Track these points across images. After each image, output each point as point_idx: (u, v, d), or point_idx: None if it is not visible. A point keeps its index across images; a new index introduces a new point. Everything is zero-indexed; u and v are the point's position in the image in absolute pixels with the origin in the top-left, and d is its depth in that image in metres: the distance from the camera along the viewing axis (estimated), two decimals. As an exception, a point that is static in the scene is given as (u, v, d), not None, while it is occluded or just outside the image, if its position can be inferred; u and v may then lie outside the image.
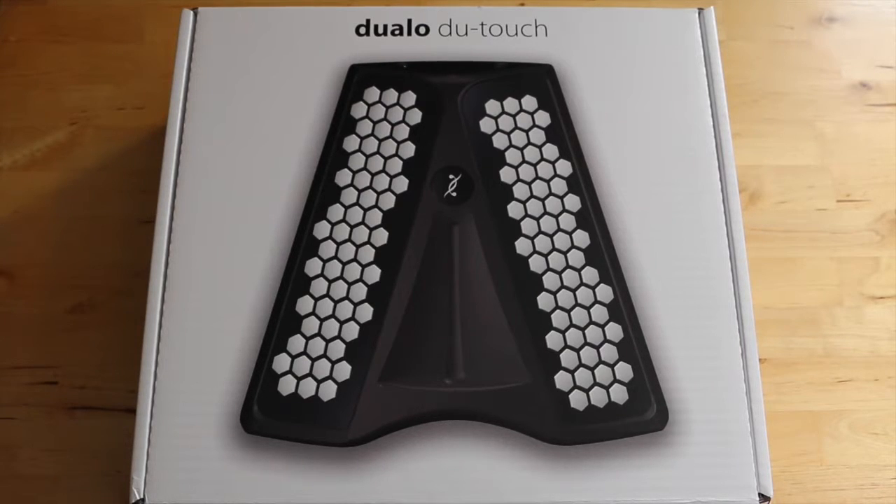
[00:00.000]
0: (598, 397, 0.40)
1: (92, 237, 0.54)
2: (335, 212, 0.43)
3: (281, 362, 0.41)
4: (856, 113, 0.60)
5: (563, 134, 0.45)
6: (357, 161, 0.44)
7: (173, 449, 0.39)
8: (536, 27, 0.47)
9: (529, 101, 0.45)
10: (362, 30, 0.47)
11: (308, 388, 0.40)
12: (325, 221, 0.43)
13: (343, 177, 0.44)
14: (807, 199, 0.57)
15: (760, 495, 0.39)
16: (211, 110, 0.45)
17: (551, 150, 0.44)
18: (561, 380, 0.41)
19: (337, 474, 0.39)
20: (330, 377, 0.41)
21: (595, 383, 0.41)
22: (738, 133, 0.45)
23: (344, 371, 0.41)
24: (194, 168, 0.44)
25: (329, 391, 0.40)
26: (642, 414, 0.40)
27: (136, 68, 0.59)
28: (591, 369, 0.41)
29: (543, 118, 0.45)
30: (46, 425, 0.49)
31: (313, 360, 0.41)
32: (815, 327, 0.53)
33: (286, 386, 0.41)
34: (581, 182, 0.44)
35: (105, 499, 0.48)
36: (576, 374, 0.41)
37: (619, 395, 0.40)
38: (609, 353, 0.41)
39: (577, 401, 0.40)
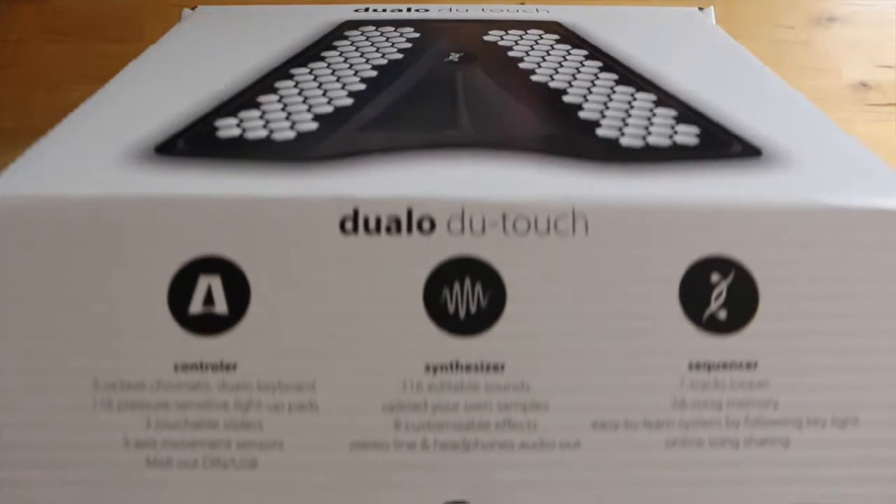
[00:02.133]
0: (658, 138, 0.30)
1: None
2: (318, 65, 0.37)
3: (225, 121, 0.31)
4: (856, 113, 0.60)
5: (577, 41, 0.42)
6: (347, 49, 0.40)
7: (56, 162, 0.28)
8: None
9: (536, 32, 0.45)
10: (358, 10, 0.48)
11: (257, 132, 0.30)
12: (305, 69, 0.37)
13: (331, 53, 0.39)
14: (807, 199, 0.57)
15: None
16: None
17: (563, 46, 0.41)
18: (604, 130, 0.30)
19: (291, 174, 0.27)
20: (290, 127, 0.30)
21: (652, 131, 0.30)
22: (738, 132, 0.45)
23: (309, 125, 0.30)
24: None
25: (286, 135, 0.30)
26: (726, 149, 0.29)
27: (136, 68, 0.60)
28: (645, 125, 0.31)
29: (552, 37, 0.43)
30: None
31: (268, 119, 0.31)
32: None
33: (226, 131, 0.30)
34: (600, 58, 0.39)
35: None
36: (624, 126, 0.31)
37: (687, 138, 0.30)
38: (665, 118, 0.31)
39: (630, 141, 0.29)
